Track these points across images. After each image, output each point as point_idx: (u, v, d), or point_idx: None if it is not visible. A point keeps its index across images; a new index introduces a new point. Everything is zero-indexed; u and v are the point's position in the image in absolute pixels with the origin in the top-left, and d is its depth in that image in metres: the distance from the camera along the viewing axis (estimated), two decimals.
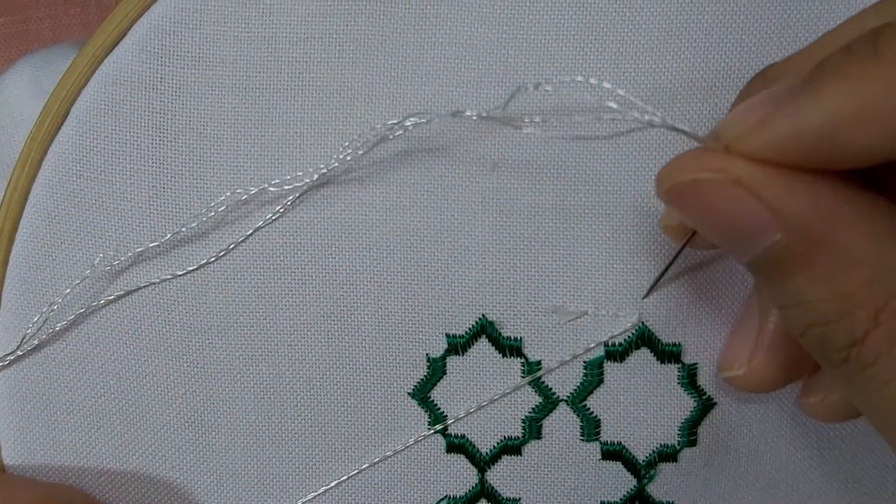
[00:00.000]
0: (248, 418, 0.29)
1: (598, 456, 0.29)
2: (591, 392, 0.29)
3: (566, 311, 0.29)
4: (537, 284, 0.28)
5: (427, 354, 0.29)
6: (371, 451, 0.30)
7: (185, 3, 0.28)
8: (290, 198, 0.28)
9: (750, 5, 0.27)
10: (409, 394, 0.29)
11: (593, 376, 0.29)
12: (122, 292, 0.29)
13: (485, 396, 0.29)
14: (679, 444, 0.29)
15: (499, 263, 0.28)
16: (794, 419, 0.29)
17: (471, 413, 0.29)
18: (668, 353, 0.29)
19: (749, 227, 0.20)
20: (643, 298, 0.28)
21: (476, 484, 0.30)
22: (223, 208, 0.28)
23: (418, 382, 0.29)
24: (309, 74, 0.28)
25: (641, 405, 0.29)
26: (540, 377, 0.29)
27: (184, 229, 0.28)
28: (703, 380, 0.29)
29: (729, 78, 0.27)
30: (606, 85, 0.22)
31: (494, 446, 0.29)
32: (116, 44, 0.28)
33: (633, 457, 0.29)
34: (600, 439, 0.29)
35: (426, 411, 0.29)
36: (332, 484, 0.30)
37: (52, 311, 0.29)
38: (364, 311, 0.29)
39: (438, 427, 0.29)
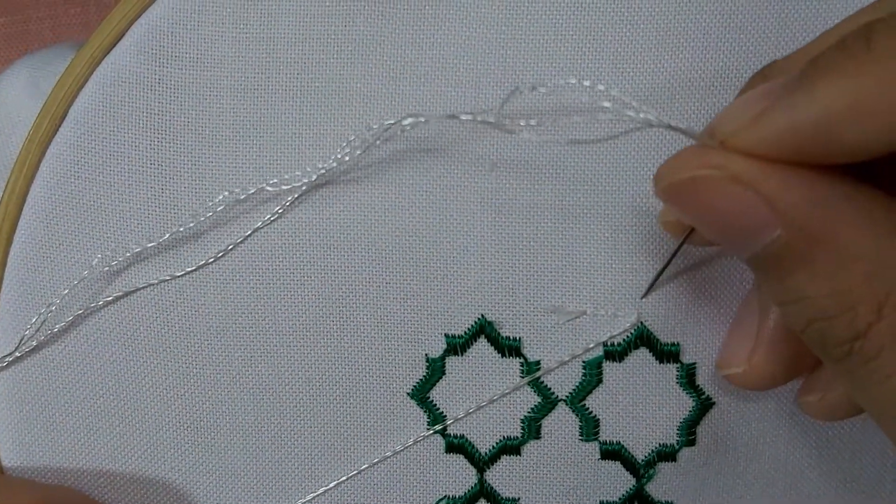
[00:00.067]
0: (247, 419, 0.29)
1: (597, 455, 0.29)
2: (590, 392, 0.29)
3: (565, 311, 0.29)
4: (536, 284, 0.28)
5: (426, 355, 0.29)
6: (370, 451, 0.30)
7: (184, 5, 0.28)
8: (289, 198, 0.28)
9: (748, 5, 0.27)
10: (408, 394, 0.29)
11: (592, 376, 0.29)
12: (120, 293, 0.29)
13: (484, 396, 0.29)
14: (678, 444, 0.29)
15: (498, 263, 0.28)
16: (792, 418, 0.29)
17: (470, 413, 0.29)
18: (666, 353, 0.29)
19: (748, 224, 0.20)
20: (642, 298, 0.28)
21: (475, 484, 0.30)
22: (221, 208, 0.28)
23: (417, 383, 0.29)
24: (307, 75, 0.28)
25: (640, 405, 0.29)
26: (539, 377, 0.29)
27: (182, 229, 0.28)
28: (702, 379, 0.29)
29: (727, 77, 0.27)
30: (600, 87, 0.22)
31: (493, 446, 0.29)
32: (114, 45, 0.28)
33: (632, 456, 0.29)
34: (599, 439, 0.29)
35: (425, 411, 0.29)
36: (332, 484, 0.30)
37: (51, 312, 0.29)
38: (363, 311, 0.29)
39: (437, 427, 0.29)
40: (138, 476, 0.30)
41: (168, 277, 0.29)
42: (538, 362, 0.29)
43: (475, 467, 0.30)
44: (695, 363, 0.29)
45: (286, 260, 0.29)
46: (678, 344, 0.29)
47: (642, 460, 0.29)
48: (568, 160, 0.28)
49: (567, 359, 0.29)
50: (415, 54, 0.28)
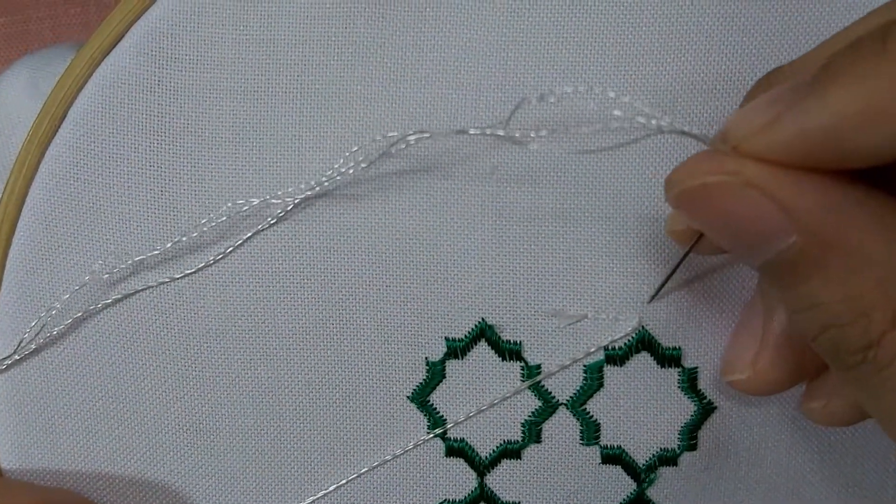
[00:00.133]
0: (247, 422, 0.29)
1: (598, 460, 0.29)
2: (591, 396, 0.29)
3: (566, 314, 0.28)
4: (537, 288, 0.28)
5: (426, 358, 0.29)
6: (370, 454, 0.30)
7: (183, 6, 0.28)
8: (290, 202, 0.28)
9: (751, 8, 0.27)
10: (408, 398, 0.29)
11: (593, 380, 0.29)
12: (119, 296, 0.29)
13: (484, 400, 0.29)
14: (679, 448, 0.29)
15: (498, 267, 0.28)
16: (794, 423, 0.29)
17: (470, 417, 0.29)
18: (668, 357, 0.29)
19: (763, 230, 0.19)
20: (647, 303, 0.28)
21: (475, 488, 0.30)
22: (224, 218, 0.28)
23: (417, 386, 0.29)
24: (307, 77, 0.28)
25: (641, 409, 0.29)
26: (540, 381, 0.29)
27: (184, 239, 0.28)
28: (704, 383, 0.29)
29: (730, 81, 0.27)
30: (611, 94, 0.22)
31: (494, 450, 0.29)
32: (114, 46, 0.28)
33: (633, 461, 0.29)
34: (600, 443, 0.29)
35: (425, 415, 0.29)
36: (332, 488, 0.30)
37: (50, 315, 0.28)
38: (363, 314, 0.29)
39: (438, 431, 0.29)
40: (137, 479, 0.30)
41: (167, 280, 0.29)
42: (539, 366, 0.29)
43: (475, 471, 0.30)
44: (696, 367, 0.29)
45: (286, 262, 0.29)
46: (679, 348, 0.29)
47: (643, 465, 0.29)
48: (569, 164, 0.28)
49: (568, 363, 0.29)
50: (416, 57, 0.28)
